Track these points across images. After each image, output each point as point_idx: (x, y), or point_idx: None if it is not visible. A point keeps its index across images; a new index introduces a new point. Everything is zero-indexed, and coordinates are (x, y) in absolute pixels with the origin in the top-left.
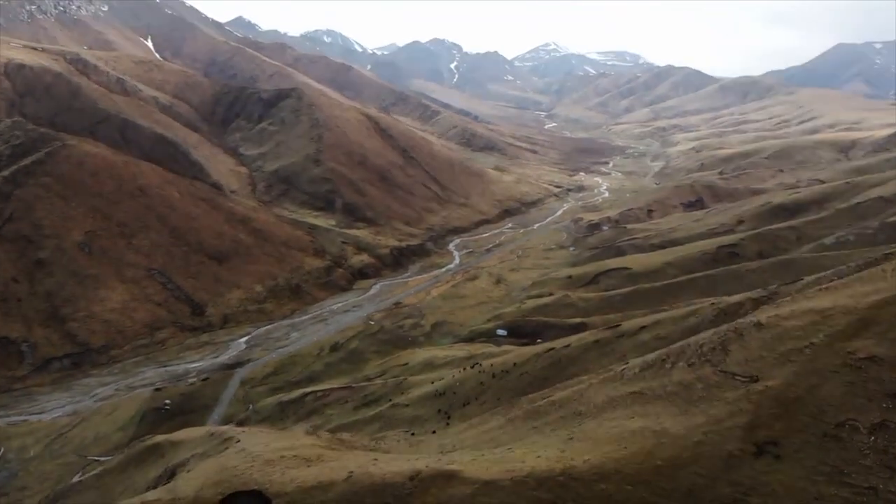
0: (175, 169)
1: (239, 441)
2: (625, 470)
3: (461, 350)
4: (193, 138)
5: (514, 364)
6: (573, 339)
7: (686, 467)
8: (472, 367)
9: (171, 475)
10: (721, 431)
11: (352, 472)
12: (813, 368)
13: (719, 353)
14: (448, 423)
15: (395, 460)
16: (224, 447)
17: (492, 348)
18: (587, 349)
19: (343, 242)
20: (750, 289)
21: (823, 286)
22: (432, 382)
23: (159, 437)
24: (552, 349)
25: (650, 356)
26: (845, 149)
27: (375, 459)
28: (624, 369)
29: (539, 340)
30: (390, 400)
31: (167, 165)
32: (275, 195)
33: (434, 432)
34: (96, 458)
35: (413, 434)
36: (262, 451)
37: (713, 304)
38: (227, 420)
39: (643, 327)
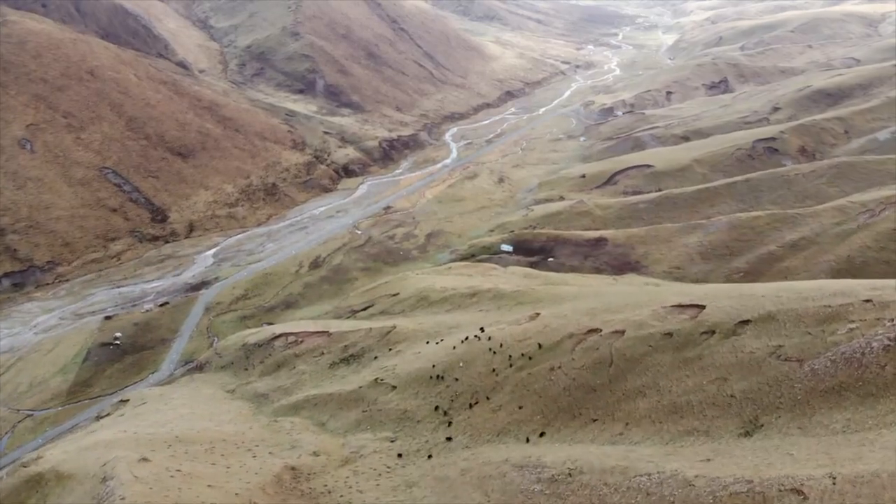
0: (137, 46)
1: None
2: None
3: (460, 277)
4: (158, 9)
5: (539, 347)
6: (628, 322)
7: None
8: (480, 339)
9: None
10: None
11: None
12: None
13: None
14: (449, 438)
15: None
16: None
17: (498, 276)
18: (655, 348)
19: (325, 133)
20: (802, 199)
21: None
22: (426, 342)
23: (44, 466)
24: (595, 331)
25: None
26: (874, 22)
27: None
28: None
29: (550, 259)
30: (375, 357)
31: (128, 43)
32: (248, 75)
33: (430, 457)
34: (29, 412)
35: (400, 455)
36: None
37: (867, 301)
38: (186, 360)
39: (744, 322)
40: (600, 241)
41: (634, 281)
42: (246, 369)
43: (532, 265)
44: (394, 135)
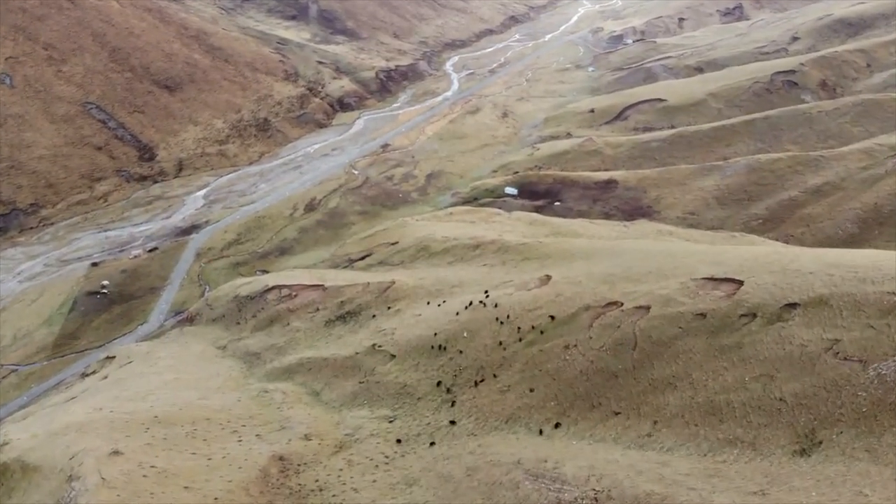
0: None
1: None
2: None
3: (462, 224)
4: None
5: (552, 319)
6: (653, 297)
7: None
8: (485, 305)
9: None
10: None
11: None
12: None
13: None
14: (453, 422)
15: None
16: None
17: (502, 223)
18: (685, 331)
19: (319, 63)
20: (824, 139)
21: None
22: (427, 303)
23: (10, 455)
24: (615, 304)
25: None
26: None
27: None
28: None
29: (557, 203)
30: (373, 316)
31: None
32: (238, 0)
33: (432, 444)
34: (14, 367)
35: (399, 441)
36: None
37: None
38: (176, 310)
39: (791, 306)
40: (610, 184)
41: (646, 228)
42: (238, 323)
43: (537, 210)
44: (391, 65)
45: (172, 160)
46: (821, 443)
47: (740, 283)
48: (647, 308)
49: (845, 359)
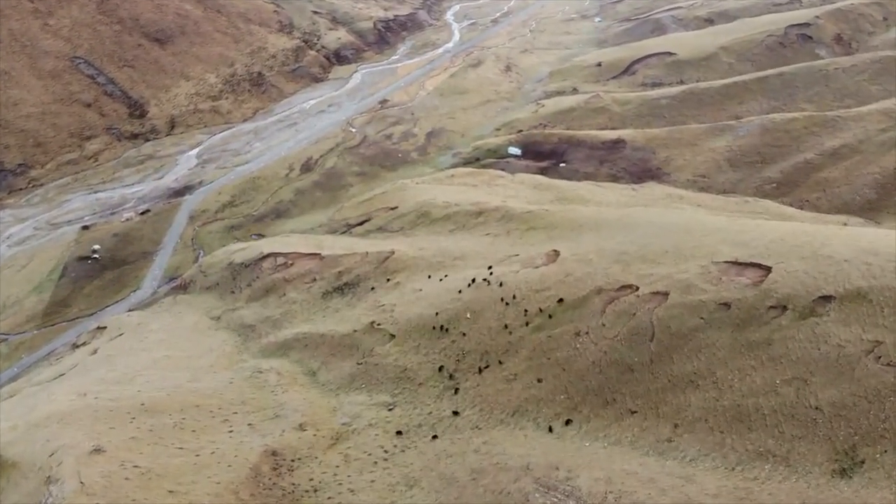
0: None
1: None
2: None
3: (464, 188)
4: None
5: (560, 302)
6: (671, 282)
7: None
8: (489, 283)
9: None
10: None
11: None
12: None
13: None
14: (456, 413)
15: None
16: None
17: (506, 187)
18: (708, 322)
19: (314, 13)
20: (841, 98)
21: None
22: (428, 276)
23: None
24: (629, 288)
25: None
26: None
27: None
28: None
29: (563, 164)
30: (372, 288)
31: None
32: None
33: (434, 437)
34: (3, 336)
35: (399, 433)
36: None
37: None
38: (170, 276)
39: (825, 299)
40: (618, 144)
41: (656, 192)
42: (232, 292)
43: (542, 171)
44: (390, 14)
45: (164, 117)
46: (863, 462)
47: (768, 269)
48: (665, 294)
49: (889, 364)
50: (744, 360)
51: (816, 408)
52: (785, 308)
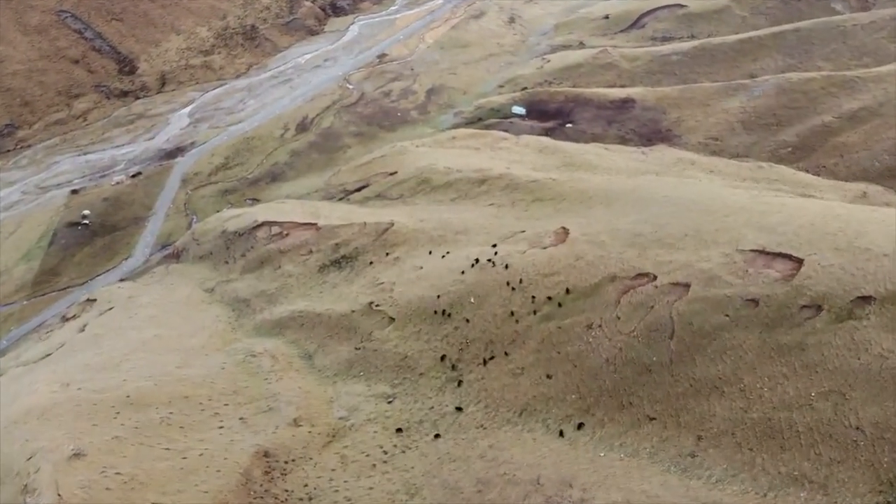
0: None
1: None
2: None
3: (466, 152)
4: None
5: (567, 292)
6: (693, 272)
7: None
8: (494, 264)
9: None
10: None
11: None
12: None
13: None
14: (460, 409)
15: None
16: None
17: (510, 150)
18: (734, 320)
19: None
20: (859, 56)
21: None
22: (430, 252)
23: None
24: (645, 276)
25: None
26: None
27: None
28: None
29: (569, 125)
30: (371, 263)
31: None
32: None
33: (437, 436)
34: None
35: (399, 431)
36: None
37: None
38: (162, 243)
39: (864, 299)
40: (627, 103)
41: (666, 156)
42: (226, 262)
43: (547, 132)
44: None
45: (154, 73)
46: None
47: (799, 261)
48: (686, 286)
49: None
50: (774, 366)
51: (857, 428)
52: (819, 308)
